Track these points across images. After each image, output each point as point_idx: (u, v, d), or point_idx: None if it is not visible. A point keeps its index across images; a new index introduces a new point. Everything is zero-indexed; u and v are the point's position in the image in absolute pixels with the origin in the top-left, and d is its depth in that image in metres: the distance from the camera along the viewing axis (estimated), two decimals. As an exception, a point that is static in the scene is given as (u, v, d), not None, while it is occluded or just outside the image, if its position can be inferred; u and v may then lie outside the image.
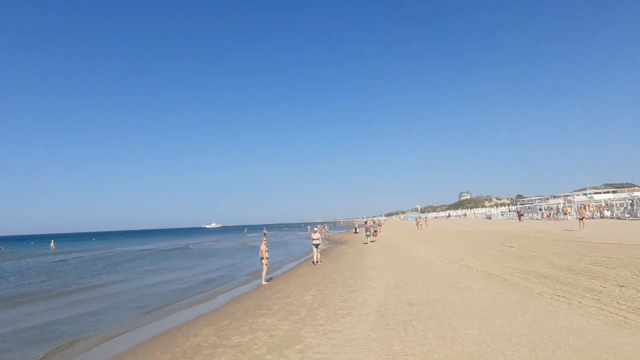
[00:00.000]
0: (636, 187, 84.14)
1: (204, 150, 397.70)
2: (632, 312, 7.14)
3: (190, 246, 55.81)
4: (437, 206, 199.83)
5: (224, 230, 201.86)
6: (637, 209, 40.59)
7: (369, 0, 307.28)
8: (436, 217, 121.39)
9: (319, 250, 21.30)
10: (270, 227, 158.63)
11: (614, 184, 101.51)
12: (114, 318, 12.11)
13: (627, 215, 41.11)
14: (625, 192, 67.48)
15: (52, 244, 76.30)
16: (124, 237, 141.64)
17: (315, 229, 22.54)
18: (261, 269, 16.08)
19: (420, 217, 65.33)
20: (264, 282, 15.86)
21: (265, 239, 16.87)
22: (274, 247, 40.69)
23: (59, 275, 25.33)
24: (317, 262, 20.66)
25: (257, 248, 16.32)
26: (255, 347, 6.72)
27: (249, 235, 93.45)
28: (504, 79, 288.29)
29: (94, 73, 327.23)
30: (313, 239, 21.45)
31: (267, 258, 16.08)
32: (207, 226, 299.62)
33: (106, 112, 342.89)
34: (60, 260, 38.99)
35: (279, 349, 6.52)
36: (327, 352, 6.15)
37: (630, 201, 44.33)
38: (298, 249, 37.37)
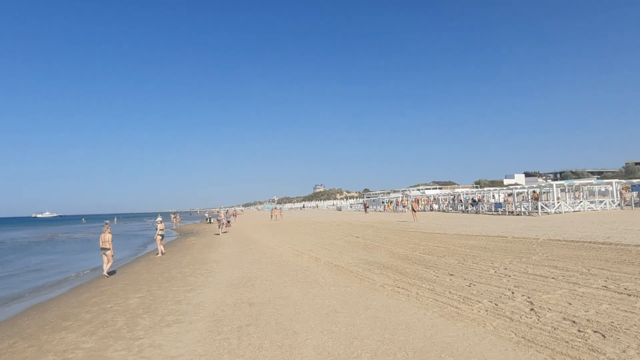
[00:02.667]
0: (456, 185, 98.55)
1: (34, 131, 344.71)
2: (462, 302, 7.35)
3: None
4: (293, 197, 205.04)
5: (61, 219, 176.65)
6: (457, 203, 46.87)
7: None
8: (291, 208, 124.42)
9: (162, 241, 19.47)
10: (118, 216, 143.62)
11: (440, 181, 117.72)
12: None
13: (450, 209, 47.17)
14: (448, 189, 78.06)
15: None
16: None
17: (160, 219, 20.37)
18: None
19: (275, 208, 65.78)
20: (105, 274, 13.96)
21: (108, 227, 14.66)
22: (117, 238, 36.18)
23: None
24: (161, 253, 18.99)
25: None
26: (37, 378, 5.05)
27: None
28: (351, 81, 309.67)
29: None
30: (158, 230, 19.47)
31: (110, 249, 14.12)
32: (39, 215, 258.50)
33: None
34: None
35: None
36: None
37: (452, 197, 51.06)
38: (140, 241, 33.86)
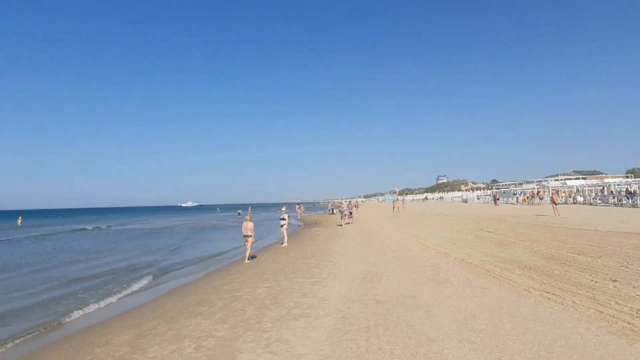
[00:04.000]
0: (603, 175, 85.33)
1: (186, 131, 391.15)
2: (637, 317, 5.96)
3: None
4: (415, 189, 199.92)
5: (200, 209, 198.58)
6: (607, 195, 40.56)
7: None
8: (413, 200, 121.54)
9: (285, 231, 20.11)
10: (245, 207, 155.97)
11: (582, 171, 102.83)
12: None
13: (598, 202, 41.08)
14: (593, 179, 68.13)
15: (19, 220, 72.59)
16: (98, 214, 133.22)
17: (283, 209, 21.08)
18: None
19: (397, 200, 64.55)
20: (247, 261, 15.14)
21: (250, 216, 16.16)
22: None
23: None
24: (283, 244, 19.63)
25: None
26: (172, 366, 5.23)
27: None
28: (478, 70, 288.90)
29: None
30: (286, 220, 20.17)
31: (252, 236, 15.36)
32: (183, 204, 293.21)
33: (79, 90, 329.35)
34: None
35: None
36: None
37: (601, 188, 44.38)
38: (268, 230, 35.78)
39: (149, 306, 9.33)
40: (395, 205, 52.23)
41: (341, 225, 30.77)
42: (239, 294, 9.17)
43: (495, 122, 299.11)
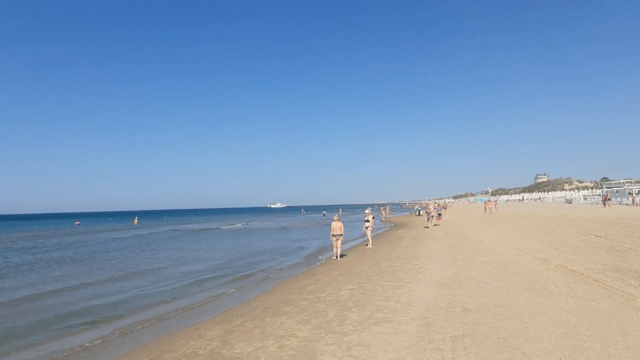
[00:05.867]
0: None
1: (273, 133, 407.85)
2: None
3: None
4: (510, 189, 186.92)
5: (288, 209, 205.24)
6: None
7: None
8: (508, 200, 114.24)
9: (369, 232, 19.90)
10: (329, 208, 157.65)
11: None
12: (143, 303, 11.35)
13: None
14: None
15: (136, 220, 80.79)
16: (195, 215, 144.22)
17: (367, 211, 20.90)
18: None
19: (489, 200, 60.90)
20: (338, 258, 15.97)
21: (337, 216, 17.06)
22: (328, 228, 40.04)
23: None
24: (368, 245, 19.43)
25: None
26: (255, 363, 5.34)
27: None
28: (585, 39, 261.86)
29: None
30: (370, 222, 20.01)
31: (342, 235, 16.21)
32: (272, 206, 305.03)
33: (170, 94, 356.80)
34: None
35: (279, 370, 5.15)
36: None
37: None
38: (353, 232, 35.72)
39: (237, 305, 9.79)
40: (486, 206, 49.38)
41: (428, 227, 29.79)
42: (323, 295, 9.21)
43: (606, 107, 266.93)
